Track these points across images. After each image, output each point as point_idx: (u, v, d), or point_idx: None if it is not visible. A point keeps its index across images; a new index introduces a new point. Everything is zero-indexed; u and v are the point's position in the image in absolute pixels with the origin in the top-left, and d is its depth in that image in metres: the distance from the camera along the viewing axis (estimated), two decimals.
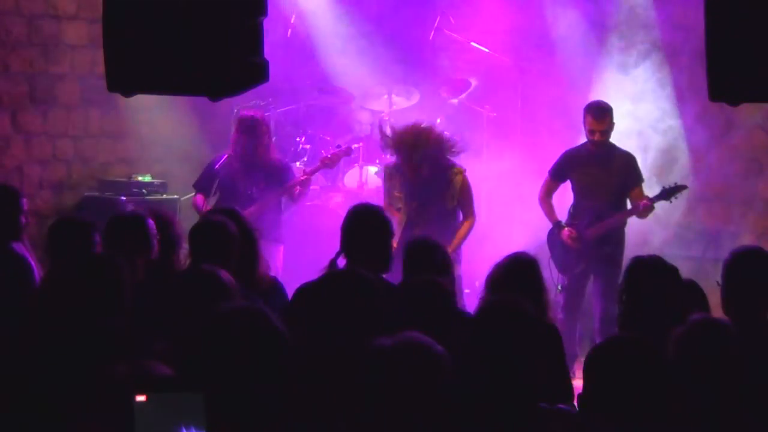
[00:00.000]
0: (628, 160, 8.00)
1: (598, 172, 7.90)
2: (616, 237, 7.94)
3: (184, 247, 5.50)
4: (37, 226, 6.08)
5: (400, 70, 10.22)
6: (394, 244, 7.33)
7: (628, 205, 7.96)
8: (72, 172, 9.55)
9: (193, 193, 8.40)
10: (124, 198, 9.05)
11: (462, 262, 7.63)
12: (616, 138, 8.13)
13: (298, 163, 9.53)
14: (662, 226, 9.16)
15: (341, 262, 5.35)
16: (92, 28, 9.22)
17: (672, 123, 9.51)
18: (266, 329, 3.00)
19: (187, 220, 8.48)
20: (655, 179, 8.60)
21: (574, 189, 8.07)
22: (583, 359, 3.72)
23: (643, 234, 8.85)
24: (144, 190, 9.23)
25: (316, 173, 8.55)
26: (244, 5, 4.36)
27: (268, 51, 4.46)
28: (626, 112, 9.25)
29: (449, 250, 7.39)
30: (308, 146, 9.96)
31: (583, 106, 8.06)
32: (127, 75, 4.47)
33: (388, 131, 7.72)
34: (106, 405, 2.81)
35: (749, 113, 9.16)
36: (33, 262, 5.75)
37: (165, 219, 5.68)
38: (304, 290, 4.94)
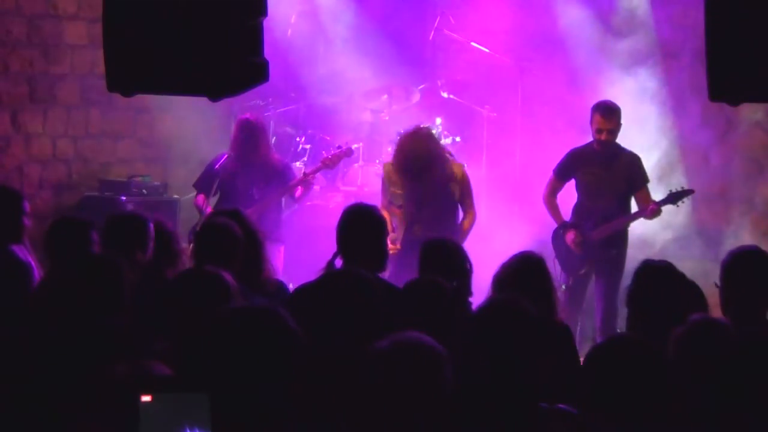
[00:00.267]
0: (634, 160, 7.97)
1: (603, 172, 7.88)
2: (620, 238, 7.94)
3: (186, 250, 5.51)
4: (37, 226, 6.06)
5: (400, 70, 10.22)
6: (397, 244, 7.39)
7: (633, 206, 7.95)
8: (72, 172, 9.55)
9: (194, 193, 8.40)
10: (124, 198, 9.05)
11: None
12: (617, 138, 8.13)
13: (298, 163, 9.53)
14: (663, 226, 9.16)
15: (338, 262, 5.35)
16: (92, 28, 9.22)
17: (673, 123, 9.51)
18: (281, 330, 2.97)
19: (187, 220, 8.51)
20: (656, 179, 8.59)
21: (578, 189, 8.05)
22: (582, 359, 3.72)
23: (644, 234, 8.86)
24: (144, 190, 9.23)
25: (317, 174, 8.55)
26: (244, 5, 4.37)
27: (268, 51, 4.46)
28: (627, 111, 9.26)
29: None
30: (308, 146, 9.97)
31: (584, 106, 8.07)
32: (127, 75, 4.47)
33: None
34: (110, 405, 2.81)
35: (750, 113, 9.16)
36: (33, 264, 5.74)
37: (166, 229, 5.69)
38: (302, 291, 4.94)
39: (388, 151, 9.41)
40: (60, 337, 3.99)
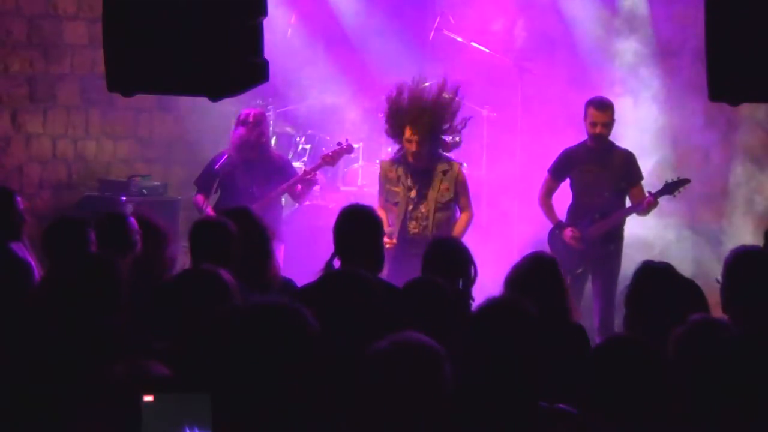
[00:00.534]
0: (628, 157, 7.98)
1: (598, 170, 7.88)
2: (617, 235, 7.94)
3: (184, 245, 5.50)
4: (37, 226, 6.06)
5: (400, 70, 10.21)
6: (394, 240, 7.39)
7: (628, 203, 7.94)
8: (72, 172, 9.55)
9: (194, 192, 8.40)
10: (124, 198, 9.05)
11: None
12: (617, 137, 8.13)
13: (298, 163, 9.53)
14: (663, 226, 9.16)
15: (336, 263, 5.35)
16: (92, 28, 9.22)
17: (673, 123, 9.51)
18: (298, 328, 2.92)
19: (188, 221, 8.50)
20: (656, 179, 8.58)
21: (573, 188, 8.05)
22: None
23: (645, 234, 8.86)
24: (144, 190, 9.23)
25: (317, 171, 8.54)
26: (244, 5, 4.37)
27: (268, 51, 4.46)
28: (627, 111, 9.26)
29: None
30: (308, 146, 9.97)
31: (583, 106, 8.05)
32: (127, 75, 4.47)
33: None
34: (112, 405, 2.80)
35: (750, 112, 9.16)
36: (33, 263, 5.74)
37: (146, 219, 5.68)
38: (302, 292, 4.94)
39: (388, 151, 9.41)
40: (59, 336, 3.99)
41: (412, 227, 7.48)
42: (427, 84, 7.77)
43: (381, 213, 7.00)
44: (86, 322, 4.08)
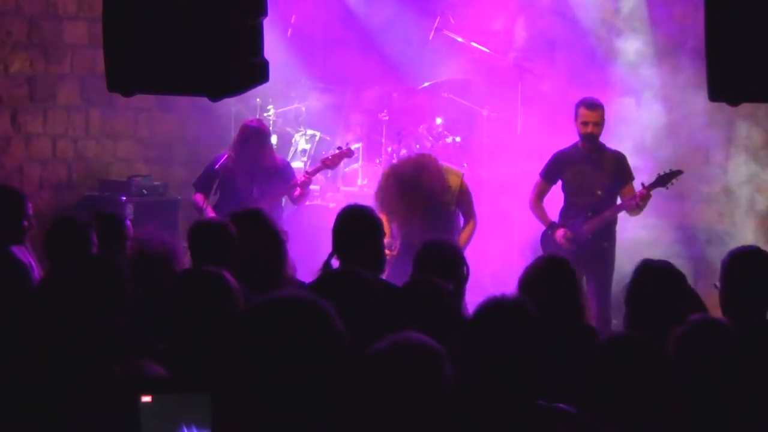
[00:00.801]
0: (619, 157, 8.03)
1: (590, 170, 7.93)
2: (609, 233, 7.96)
3: (183, 245, 5.49)
4: (37, 226, 6.07)
5: (400, 70, 10.22)
6: (393, 251, 7.37)
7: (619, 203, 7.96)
8: (72, 172, 9.56)
9: (193, 192, 8.40)
10: (124, 198, 9.06)
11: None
12: (617, 137, 8.13)
13: (298, 163, 9.54)
14: (664, 226, 9.16)
15: (335, 263, 5.34)
16: (92, 28, 9.23)
17: (674, 122, 9.51)
18: (321, 326, 2.81)
19: (188, 221, 8.50)
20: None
21: (565, 189, 8.08)
22: None
23: (645, 235, 8.86)
24: (144, 190, 9.24)
25: (317, 174, 8.54)
26: (244, 5, 4.36)
27: (268, 51, 4.46)
28: (628, 111, 9.26)
29: None
30: (308, 146, 9.97)
31: None
32: (127, 75, 4.46)
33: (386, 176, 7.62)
34: (111, 405, 2.80)
35: (752, 111, 9.16)
36: (33, 265, 5.74)
37: (105, 217, 5.70)
38: None
39: (388, 151, 9.42)
40: (60, 337, 3.99)
41: (412, 236, 7.46)
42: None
43: (382, 218, 6.98)
44: (87, 323, 4.08)
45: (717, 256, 8.61)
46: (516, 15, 10.16)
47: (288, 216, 8.63)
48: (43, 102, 9.31)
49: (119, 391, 2.81)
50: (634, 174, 8.00)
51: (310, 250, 8.01)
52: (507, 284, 8.58)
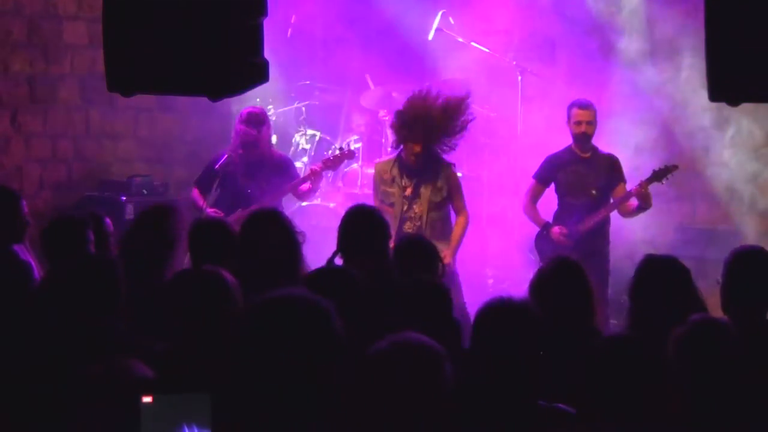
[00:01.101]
0: (612, 160, 8.08)
1: (584, 169, 7.98)
2: (602, 232, 7.98)
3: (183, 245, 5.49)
4: (37, 226, 6.07)
5: (400, 70, 10.22)
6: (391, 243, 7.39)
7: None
8: (72, 172, 9.55)
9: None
10: (124, 198, 9.05)
11: (456, 260, 7.61)
12: (617, 137, 8.13)
13: (298, 163, 9.53)
14: (666, 226, 9.16)
15: (338, 262, 5.34)
16: (92, 28, 9.23)
17: (674, 122, 9.51)
18: (327, 326, 2.83)
19: (188, 221, 8.49)
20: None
21: (559, 190, 8.12)
22: None
23: (647, 234, 8.86)
24: (144, 190, 9.23)
25: (319, 174, 8.52)
26: (244, 5, 4.36)
27: (268, 51, 4.46)
28: (628, 111, 9.25)
29: (450, 247, 7.42)
30: (308, 146, 9.97)
31: None
32: (127, 75, 4.46)
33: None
34: (111, 405, 2.80)
35: (754, 110, 9.16)
36: (33, 264, 5.75)
37: (96, 217, 5.72)
38: None
39: (387, 152, 9.41)
40: (60, 337, 3.99)
41: (407, 227, 7.52)
42: (434, 95, 7.74)
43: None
44: (86, 323, 4.08)
45: (718, 256, 8.62)
46: (516, 15, 10.15)
47: (288, 216, 8.60)
48: (43, 102, 9.31)
49: (119, 391, 2.81)
50: (635, 173, 8.01)
51: (309, 249, 8.02)
52: (507, 284, 8.62)
